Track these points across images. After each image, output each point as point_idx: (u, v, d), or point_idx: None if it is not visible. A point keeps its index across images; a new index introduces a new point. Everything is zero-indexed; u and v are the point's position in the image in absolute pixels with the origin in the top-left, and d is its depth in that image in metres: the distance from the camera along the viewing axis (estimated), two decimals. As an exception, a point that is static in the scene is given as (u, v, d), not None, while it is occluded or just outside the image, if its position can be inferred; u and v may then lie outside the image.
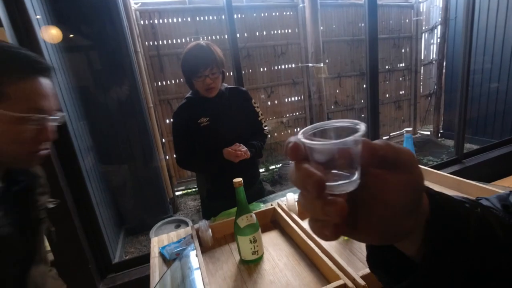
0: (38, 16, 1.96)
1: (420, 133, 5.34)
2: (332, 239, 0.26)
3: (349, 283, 0.74)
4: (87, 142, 2.46)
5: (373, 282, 0.73)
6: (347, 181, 0.26)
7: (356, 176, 0.26)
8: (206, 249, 1.06)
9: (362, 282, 0.73)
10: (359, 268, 0.82)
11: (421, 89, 5.21)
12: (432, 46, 4.97)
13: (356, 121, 0.27)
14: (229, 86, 1.50)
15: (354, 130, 0.26)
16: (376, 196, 0.27)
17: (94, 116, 2.73)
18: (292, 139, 0.28)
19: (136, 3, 3.28)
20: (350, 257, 0.92)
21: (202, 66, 1.28)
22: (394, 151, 0.26)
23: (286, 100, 4.29)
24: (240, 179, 0.90)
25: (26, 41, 1.40)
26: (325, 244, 0.88)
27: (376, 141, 0.26)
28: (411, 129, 1.15)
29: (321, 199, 0.25)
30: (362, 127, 0.26)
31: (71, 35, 2.58)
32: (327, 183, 0.25)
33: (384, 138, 5.04)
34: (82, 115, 2.53)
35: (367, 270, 0.77)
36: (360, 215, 0.28)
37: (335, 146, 0.25)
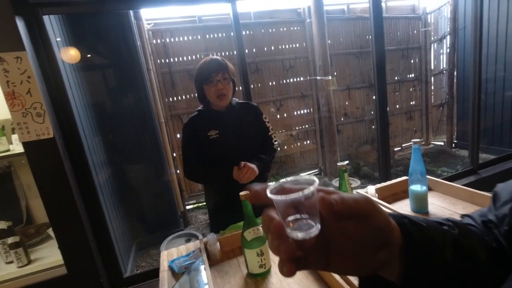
0: (58, 39, 2.08)
1: (433, 144, 5.23)
2: (289, 275, 0.29)
3: (357, 298, 0.72)
4: (100, 157, 2.53)
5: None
6: (309, 229, 0.30)
7: (316, 224, 0.30)
8: (214, 262, 1.07)
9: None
10: (368, 282, 0.80)
11: (432, 99, 5.14)
12: (441, 56, 4.93)
13: (312, 178, 0.31)
14: (240, 101, 1.53)
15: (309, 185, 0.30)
16: (340, 242, 0.30)
17: (108, 132, 2.82)
18: (256, 187, 0.32)
19: (148, 24, 3.43)
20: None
21: (214, 71, 1.34)
22: (347, 206, 0.28)
23: (295, 113, 4.32)
24: (247, 192, 0.91)
25: (46, 63, 1.49)
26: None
27: (333, 196, 0.29)
28: (418, 140, 1.14)
29: (278, 240, 0.29)
30: (313, 185, 0.29)
31: (88, 55, 2.72)
32: (293, 230, 0.30)
33: (395, 149, 4.96)
34: (97, 131, 2.62)
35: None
36: (331, 254, 0.30)
37: (287, 198, 0.29)
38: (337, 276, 0.81)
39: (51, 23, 1.97)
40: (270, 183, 0.32)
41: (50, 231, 1.80)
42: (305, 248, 0.30)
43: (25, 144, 1.41)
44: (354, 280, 0.77)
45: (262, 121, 1.54)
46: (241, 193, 0.90)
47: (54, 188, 1.50)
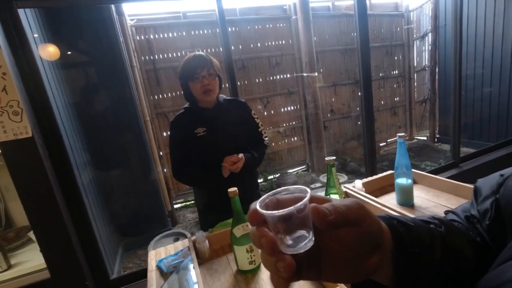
0: (35, 35, 2.00)
1: (417, 139, 5.37)
2: None
3: (347, 290, 0.73)
4: (83, 157, 2.46)
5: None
6: (303, 241, 0.29)
7: (310, 236, 0.29)
8: (203, 260, 1.06)
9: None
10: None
11: (415, 95, 5.27)
12: (424, 53, 5.06)
13: (305, 188, 0.30)
14: (227, 98, 1.51)
15: (303, 197, 0.29)
16: (333, 250, 0.29)
17: (91, 131, 2.74)
18: (252, 205, 0.30)
19: (131, 20, 3.34)
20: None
21: (199, 67, 1.32)
22: (341, 214, 0.28)
23: (282, 110, 4.33)
24: (235, 188, 0.90)
25: (23, 60, 1.42)
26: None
27: (325, 206, 0.28)
28: (403, 134, 1.16)
29: (274, 256, 0.28)
30: (306, 197, 0.28)
31: (68, 52, 2.62)
32: (286, 244, 0.28)
33: (381, 144, 5.06)
34: (79, 130, 2.54)
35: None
36: (323, 263, 0.30)
37: (279, 214, 0.27)
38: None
39: (27, 18, 1.88)
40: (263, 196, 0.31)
41: (31, 234, 1.74)
42: (297, 260, 0.29)
43: (2, 144, 1.34)
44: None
45: (251, 117, 1.52)
46: (230, 190, 0.89)
47: (34, 190, 1.44)
